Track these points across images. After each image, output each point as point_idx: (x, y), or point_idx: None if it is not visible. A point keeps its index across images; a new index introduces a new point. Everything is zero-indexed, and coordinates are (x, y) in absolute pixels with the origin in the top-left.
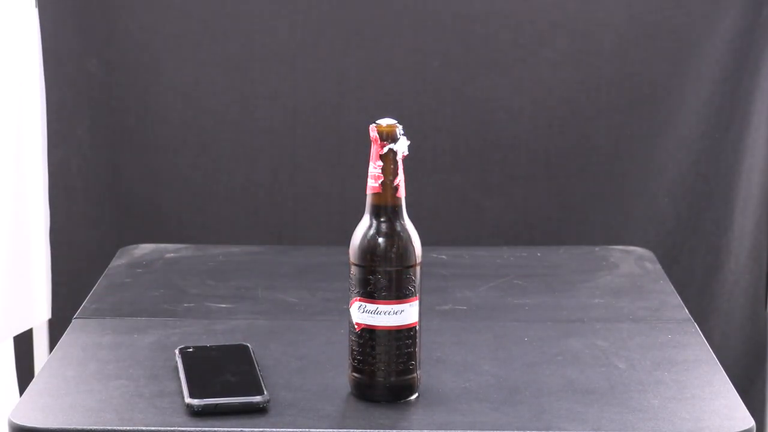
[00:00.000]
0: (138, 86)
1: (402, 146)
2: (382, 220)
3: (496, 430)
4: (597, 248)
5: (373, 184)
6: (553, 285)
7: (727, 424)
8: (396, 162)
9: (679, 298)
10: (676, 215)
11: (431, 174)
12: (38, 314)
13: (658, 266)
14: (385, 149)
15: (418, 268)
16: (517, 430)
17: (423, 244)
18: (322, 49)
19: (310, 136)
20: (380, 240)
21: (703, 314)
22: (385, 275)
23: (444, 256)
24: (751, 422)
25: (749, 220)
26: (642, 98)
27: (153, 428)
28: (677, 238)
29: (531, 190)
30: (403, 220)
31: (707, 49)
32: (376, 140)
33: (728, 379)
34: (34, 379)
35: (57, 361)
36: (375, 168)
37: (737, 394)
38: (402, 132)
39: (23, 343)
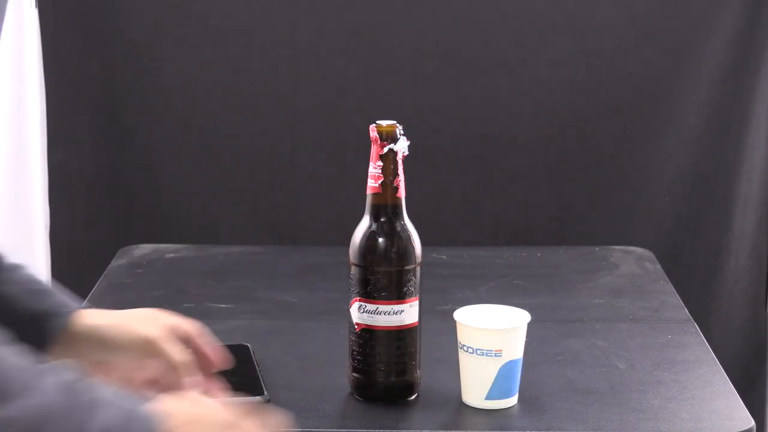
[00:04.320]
0: (138, 86)
1: (402, 146)
2: (382, 220)
3: (496, 430)
4: (597, 248)
5: (373, 184)
6: (553, 285)
7: (727, 424)
8: (396, 162)
9: (679, 298)
10: (676, 215)
11: (431, 174)
12: None
13: (658, 266)
14: (385, 149)
15: (418, 269)
16: (517, 430)
17: (423, 244)
18: (322, 49)
19: (310, 136)
20: (380, 240)
21: (703, 314)
22: (384, 275)
23: (444, 256)
24: (751, 422)
25: (749, 220)
26: (642, 98)
27: None
28: (677, 238)
29: (531, 190)
30: (403, 220)
31: (707, 49)
32: (376, 140)
33: (728, 379)
34: None
35: None
36: (375, 168)
37: (737, 394)
38: (402, 132)
39: None
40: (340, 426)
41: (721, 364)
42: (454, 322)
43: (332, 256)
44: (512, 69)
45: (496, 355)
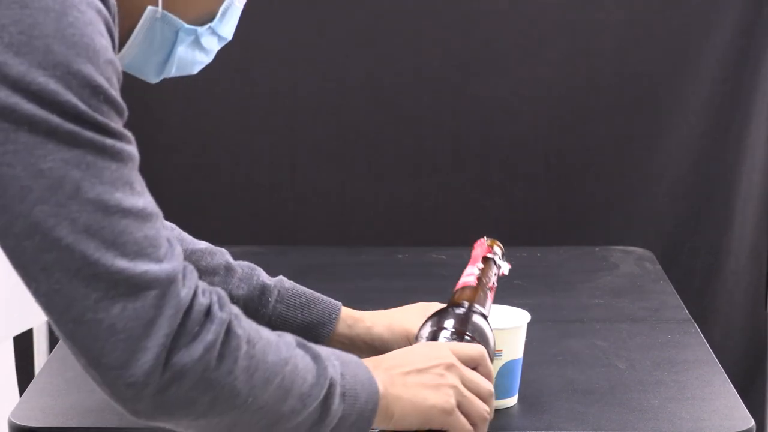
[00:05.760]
0: (138, 86)
1: (505, 265)
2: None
3: (496, 430)
4: (597, 248)
5: (469, 280)
6: (553, 285)
7: (727, 424)
8: (495, 274)
9: (679, 298)
10: (676, 215)
11: (431, 174)
12: (38, 314)
13: (658, 266)
14: (490, 255)
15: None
16: (517, 430)
17: (423, 243)
18: (322, 49)
19: (310, 136)
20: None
21: (703, 314)
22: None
23: (444, 256)
24: (751, 422)
25: (749, 220)
26: (642, 98)
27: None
28: (677, 238)
29: (531, 190)
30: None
31: (707, 49)
32: (482, 244)
33: (728, 379)
34: (34, 379)
35: (57, 361)
36: (475, 269)
37: (737, 394)
38: (504, 257)
39: (23, 343)
40: None
41: (721, 364)
42: None
43: (332, 256)
44: (512, 69)
45: (496, 355)
